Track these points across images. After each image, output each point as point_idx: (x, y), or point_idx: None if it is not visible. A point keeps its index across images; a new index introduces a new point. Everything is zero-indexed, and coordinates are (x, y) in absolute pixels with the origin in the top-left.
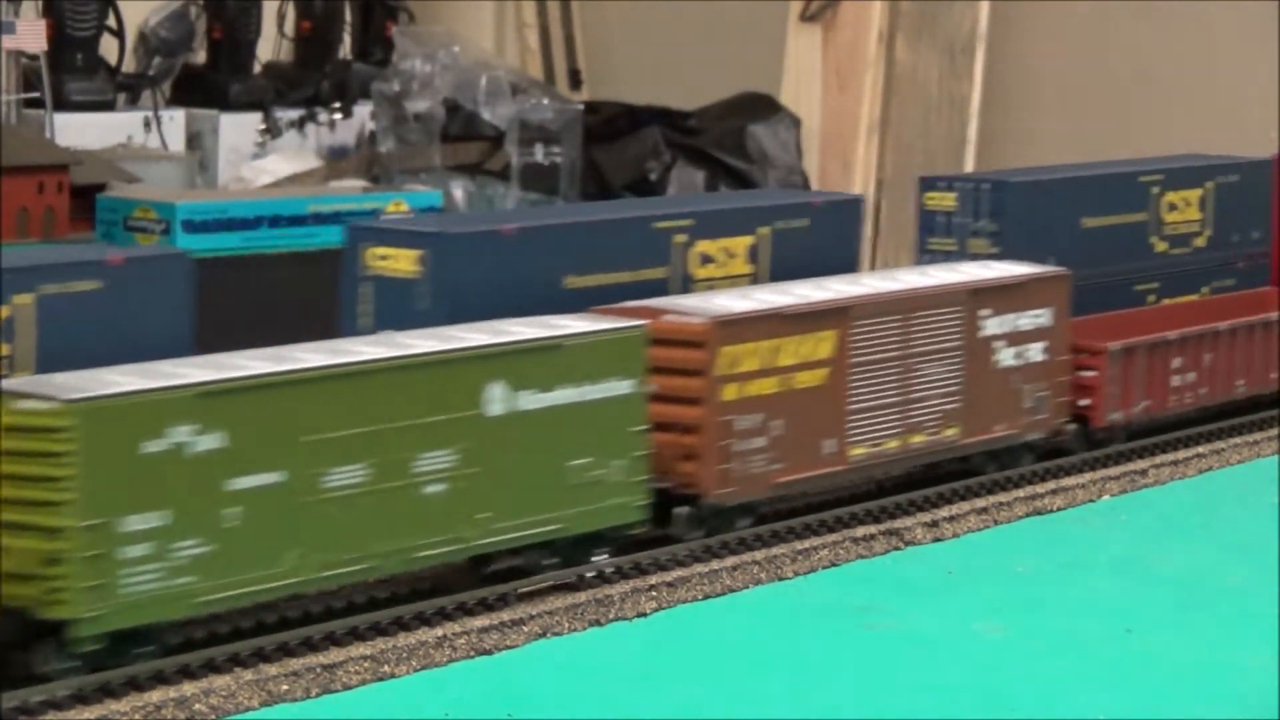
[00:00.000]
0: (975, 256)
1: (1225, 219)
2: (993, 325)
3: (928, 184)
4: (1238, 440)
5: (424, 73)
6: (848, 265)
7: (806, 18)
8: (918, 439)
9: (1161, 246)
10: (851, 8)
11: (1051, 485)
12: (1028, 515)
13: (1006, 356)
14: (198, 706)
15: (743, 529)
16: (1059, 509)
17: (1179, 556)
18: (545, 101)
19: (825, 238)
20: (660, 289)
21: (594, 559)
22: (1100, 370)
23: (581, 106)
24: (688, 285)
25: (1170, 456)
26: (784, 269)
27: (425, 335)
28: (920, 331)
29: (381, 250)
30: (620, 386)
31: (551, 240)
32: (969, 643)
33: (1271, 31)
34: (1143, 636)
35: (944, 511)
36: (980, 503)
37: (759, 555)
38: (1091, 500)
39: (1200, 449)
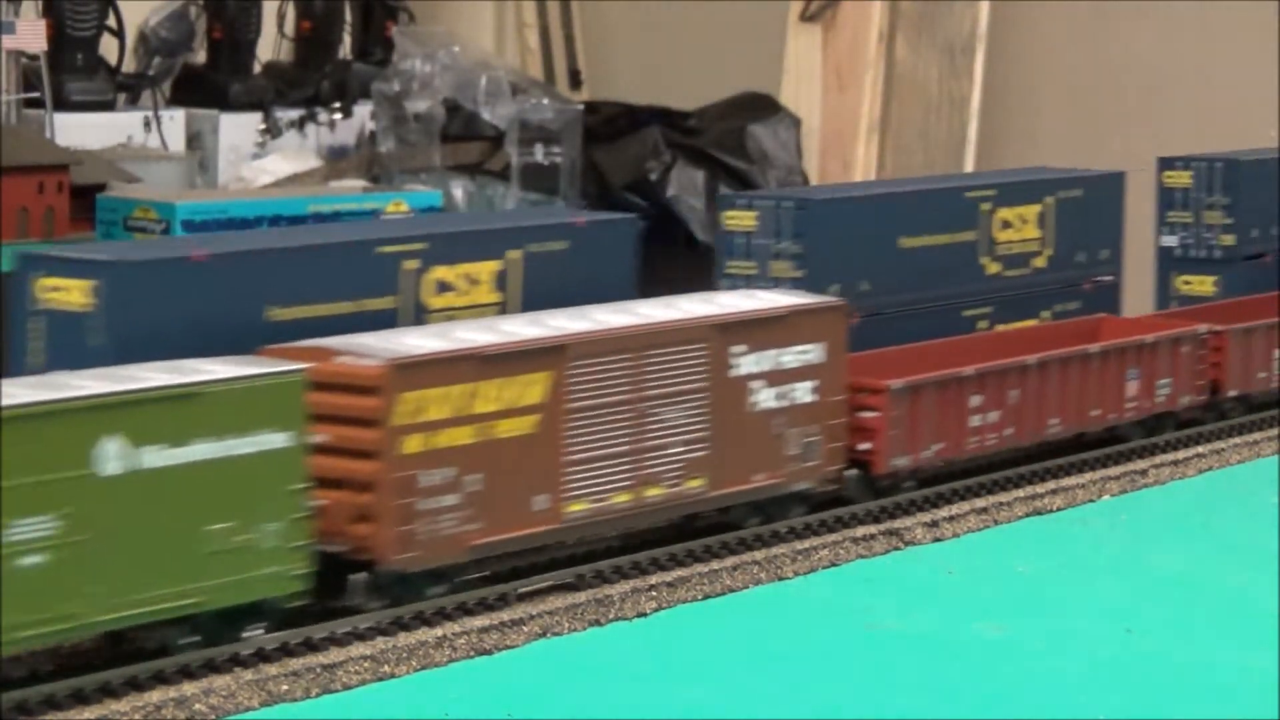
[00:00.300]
0: (777, 281)
1: (1069, 238)
2: (748, 363)
3: (726, 202)
4: (1238, 440)
5: (424, 73)
6: (619, 292)
7: (806, 18)
8: (654, 492)
9: (994, 268)
10: (851, 8)
11: (1051, 485)
12: (1028, 515)
13: (766, 398)
14: (198, 706)
15: (435, 597)
16: (1059, 509)
17: (1179, 556)
18: (545, 101)
19: (592, 262)
20: (389, 320)
21: (246, 635)
22: (882, 411)
23: (581, 106)
24: (421, 316)
25: (1170, 456)
26: (541, 297)
27: (26, 384)
28: (655, 372)
29: (52, 281)
30: (274, 439)
31: (251, 267)
32: (969, 643)
33: (1271, 31)
34: (1143, 636)
35: (944, 511)
36: (980, 503)
37: (759, 555)
38: (1091, 500)
39: (1200, 449)
